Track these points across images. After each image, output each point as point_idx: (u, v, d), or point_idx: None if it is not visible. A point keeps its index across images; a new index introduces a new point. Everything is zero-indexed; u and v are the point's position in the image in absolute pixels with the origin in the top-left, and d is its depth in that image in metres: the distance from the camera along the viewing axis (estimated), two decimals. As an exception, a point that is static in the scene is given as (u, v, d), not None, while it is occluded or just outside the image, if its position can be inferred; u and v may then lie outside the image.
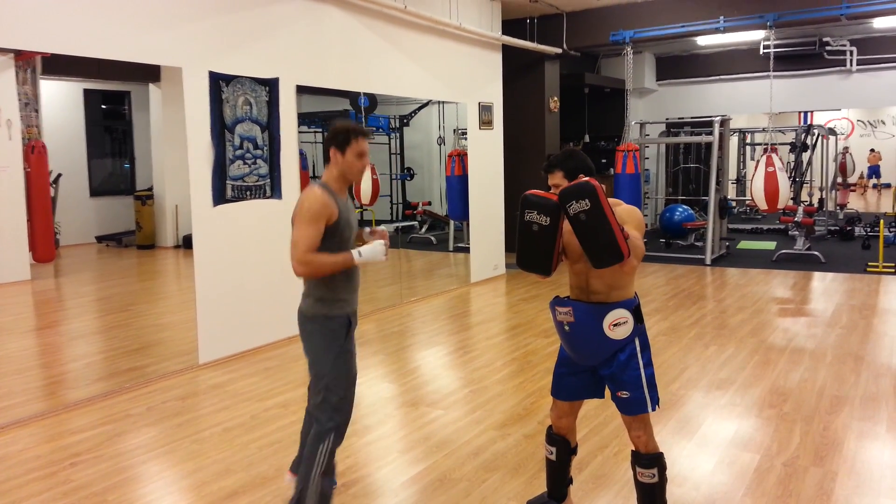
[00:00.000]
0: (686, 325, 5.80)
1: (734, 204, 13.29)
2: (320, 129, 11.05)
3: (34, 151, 7.20)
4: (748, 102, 12.26)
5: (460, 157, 9.20)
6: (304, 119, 10.11)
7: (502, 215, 8.60)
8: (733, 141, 13.62)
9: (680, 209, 10.82)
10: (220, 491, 3.08)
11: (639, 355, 2.53)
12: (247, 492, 3.07)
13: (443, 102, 10.54)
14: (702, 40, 10.55)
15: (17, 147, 7.28)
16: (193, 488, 3.12)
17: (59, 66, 8.31)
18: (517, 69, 9.18)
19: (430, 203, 11.78)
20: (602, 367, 2.57)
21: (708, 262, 8.82)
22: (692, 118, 12.05)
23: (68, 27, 4.12)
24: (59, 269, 7.68)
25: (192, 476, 3.23)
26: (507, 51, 8.56)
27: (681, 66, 12.74)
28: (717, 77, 12.52)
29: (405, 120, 11.93)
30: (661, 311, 6.31)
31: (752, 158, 14.06)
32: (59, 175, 8.66)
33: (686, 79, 12.80)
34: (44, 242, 7.04)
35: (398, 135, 12.01)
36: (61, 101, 9.67)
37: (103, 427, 3.82)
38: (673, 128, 12.10)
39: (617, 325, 2.49)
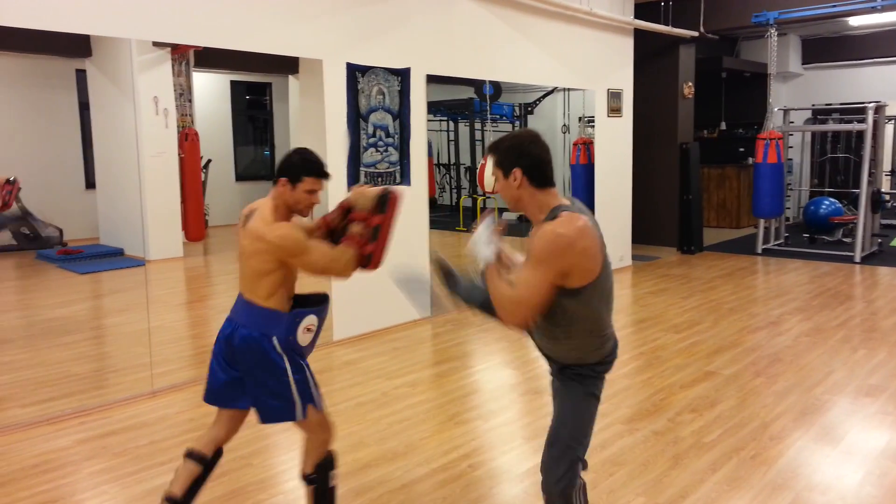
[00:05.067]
0: (832, 327, 5.42)
1: (888, 198, 12.20)
2: (445, 118, 11.19)
3: (188, 139, 7.79)
4: (907, 87, 11.19)
5: (586, 146, 9.03)
6: (430, 108, 10.29)
7: (629, 205, 8.36)
8: (888, 129, 12.49)
9: (826, 202, 10.09)
10: (354, 462, 3.23)
11: None
12: (379, 465, 3.20)
13: (569, 90, 10.38)
14: (854, 20, 9.73)
15: (172, 134, 7.91)
16: (329, 458, 3.28)
17: (210, 59, 8.91)
18: (649, 54, 8.87)
19: (553, 192, 11.63)
20: None
21: (857, 259, 8.17)
22: (842, 104, 11.15)
23: (219, 22, 4.42)
24: (207, 247, 8.28)
25: (327, 447, 3.40)
26: (639, 35, 8.29)
27: (830, 48, 11.81)
28: (871, 60, 11.49)
29: (529, 108, 11.82)
30: (804, 311, 5.92)
31: (911, 148, 12.81)
32: (209, 160, 9.32)
33: (836, 62, 11.85)
34: (195, 223, 7.63)
35: (522, 123, 11.94)
36: (211, 91, 10.36)
37: (247, 396, 4.09)
38: (820, 115, 11.28)
39: None
